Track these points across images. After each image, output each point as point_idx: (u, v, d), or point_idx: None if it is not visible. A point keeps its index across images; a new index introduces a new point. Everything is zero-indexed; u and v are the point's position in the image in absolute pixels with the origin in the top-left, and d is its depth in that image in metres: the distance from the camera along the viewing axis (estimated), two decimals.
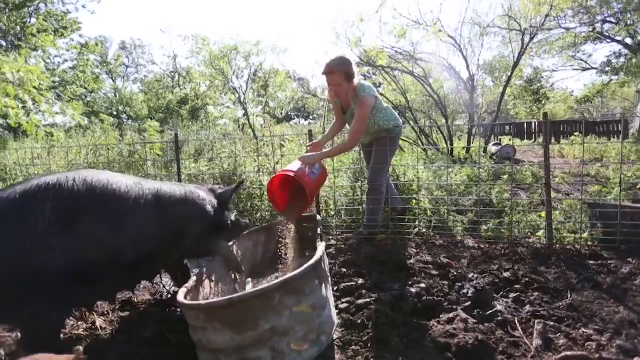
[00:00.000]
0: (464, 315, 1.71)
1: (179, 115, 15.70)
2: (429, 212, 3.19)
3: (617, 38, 12.36)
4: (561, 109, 18.06)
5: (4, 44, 12.92)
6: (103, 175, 1.54)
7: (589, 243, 2.56)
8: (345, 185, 3.61)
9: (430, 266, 2.30)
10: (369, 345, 1.53)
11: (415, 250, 2.62)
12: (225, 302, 1.21)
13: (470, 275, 2.14)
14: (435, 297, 1.89)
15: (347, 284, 2.04)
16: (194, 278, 1.51)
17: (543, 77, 17.44)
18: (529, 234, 2.82)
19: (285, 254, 2.33)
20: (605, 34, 12.24)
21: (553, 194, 3.04)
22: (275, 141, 4.44)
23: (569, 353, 1.46)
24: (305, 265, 1.29)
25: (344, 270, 2.26)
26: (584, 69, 14.69)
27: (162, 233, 1.65)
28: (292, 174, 2.23)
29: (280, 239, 2.34)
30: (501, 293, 1.96)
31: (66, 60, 15.73)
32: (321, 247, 1.60)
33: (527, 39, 6.88)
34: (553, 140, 11.01)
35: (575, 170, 5.84)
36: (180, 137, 3.38)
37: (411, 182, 3.68)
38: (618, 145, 7.22)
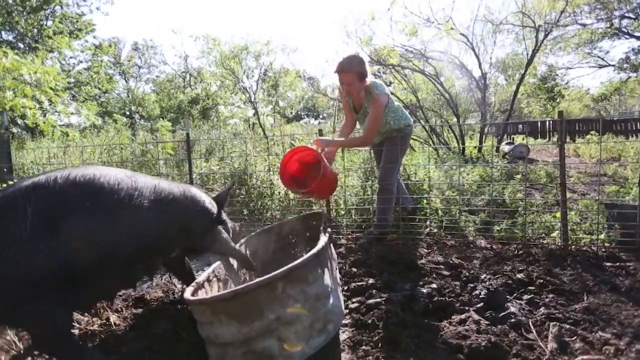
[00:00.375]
0: (476, 317, 1.69)
1: (190, 115, 15.87)
2: (440, 212, 3.16)
3: (636, 34, 12.02)
4: (576, 107, 17.67)
5: (21, 46, 13.26)
6: (89, 170, 1.48)
7: (606, 244, 2.49)
8: (355, 184, 3.59)
9: (442, 266, 2.28)
10: (380, 345, 1.52)
11: (426, 250, 2.59)
12: (229, 294, 1.22)
13: (482, 276, 2.11)
14: (447, 298, 1.86)
15: (357, 283, 2.03)
16: (202, 276, 1.53)
17: (558, 75, 17.07)
18: (543, 234, 2.77)
19: (296, 253, 2.34)
20: (624, 29, 11.92)
21: (568, 194, 2.97)
22: (285, 140, 4.45)
23: (585, 357, 1.42)
24: (308, 254, 1.29)
25: (354, 269, 2.25)
26: (601, 66, 14.34)
27: (159, 227, 1.59)
28: (314, 149, 2.33)
29: (291, 238, 2.34)
30: (514, 294, 1.92)
31: (81, 62, 16.07)
32: (324, 237, 1.59)
33: (541, 35, 6.75)
34: (568, 139, 10.77)
35: (591, 170, 5.71)
36: (191, 137, 3.42)
37: (422, 181, 3.65)
38: (636, 144, 7.02)
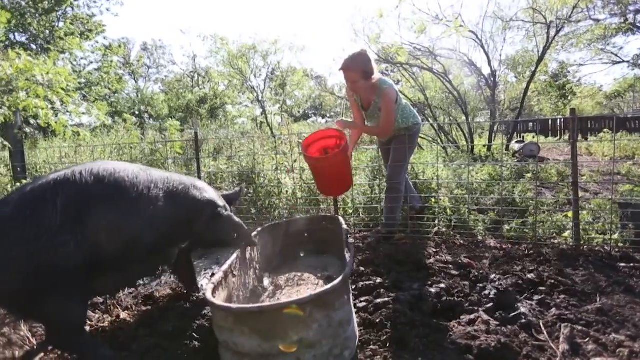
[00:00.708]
0: (485, 317, 1.67)
1: (199, 114, 15.99)
2: (448, 211, 3.13)
3: None
4: (589, 105, 17.35)
5: (34, 47, 13.49)
6: (109, 164, 1.55)
7: (620, 244, 2.44)
8: (363, 183, 3.58)
9: (450, 266, 2.26)
10: (388, 345, 1.51)
11: (434, 250, 2.57)
12: (256, 308, 1.22)
13: (492, 276, 2.09)
14: (456, 298, 1.85)
15: (365, 282, 2.03)
16: (218, 274, 1.53)
17: (569, 72, 16.77)
18: (555, 234, 2.72)
19: (301, 252, 2.34)
20: (638, 24, 11.63)
21: (581, 193, 2.91)
22: (292, 139, 4.45)
23: (598, 359, 1.40)
24: (337, 280, 1.29)
25: (362, 268, 2.24)
26: (614, 63, 14.02)
27: (175, 216, 1.67)
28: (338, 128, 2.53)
29: (297, 236, 2.35)
30: (525, 295, 1.90)
31: (91, 62, 16.28)
32: (349, 256, 1.60)
33: (552, 32, 6.63)
34: (580, 138, 10.58)
35: (604, 169, 5.60)
36: (199, 136, 3.44)
37: (430, 180, 3.62)
38: None
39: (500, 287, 1.93)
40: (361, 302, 1.84)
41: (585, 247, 2.47)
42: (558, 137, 12.61)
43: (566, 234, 2.63)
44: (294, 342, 1.20)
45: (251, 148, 4.88)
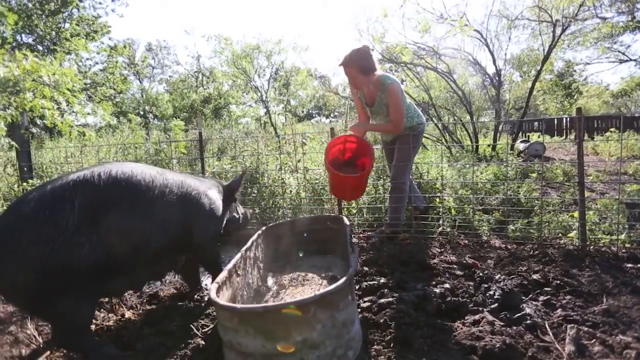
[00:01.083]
0: (490, 318, 1.66)
1: (203, 114, 16.06)
2: (453, 211, 3.11)
3: None
4: (595, 104, 17.16)
5: (40, 48, 13.62)
6: (127, 166, 1.57)
7: (627, 245, 2.42)
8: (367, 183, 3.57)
9: (455, 266, 2.25)
10: (392, 345, 1.51)
11: (438, 250, 2.56)
12: (261, 309, 1.22)
13: (496, 277, 2.07)
14: (460, 298, 1.83)
15: (369, 282, 2.02)
16: (223, 273, 1.54)
17: (575, 71, 16.60)
18: (560, 234, 2.70)
19: (305, 251, 2.34)
20: None
21: (587, 193, 2.89)
22: (296, 139, 4.45)
23: None
24: (341, 280, 1.29)
25: (366, 268, 2.24)
26: (622, 61, 13.84)
27: (187, 222, 1.70)
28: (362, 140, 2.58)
29: (301, 236, 2.35)
30: (530, 295, 1.88)
31: (97, 63, 16.41)
32: (353, 257, 1.59)
33: (558, 30, 6.57)
34: (586, 137, 10.49)
35: (610, 169, 5.55)
36: (204, 136, 3.45)
37: (435, 180, 3.60)
38: None
39: (505, 287, 1.92)
40: (365, 302, 1.84)
41: (592, 247, 2.45)
42: (564, 137, 12.50)
43: (572, 234, 2.60)
44: (298, 342, 1.20)
45: (255, 148, 4.89)
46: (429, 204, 3.14)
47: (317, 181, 3.67)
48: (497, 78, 7.17)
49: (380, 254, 2.47)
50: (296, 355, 1.21)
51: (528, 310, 1.70)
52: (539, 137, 10.27)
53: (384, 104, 2.61)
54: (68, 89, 3.16)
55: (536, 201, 3.22)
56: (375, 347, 1.51)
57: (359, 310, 1.77)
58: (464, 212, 3.14)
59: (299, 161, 3.82)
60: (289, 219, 2.58)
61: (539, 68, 7.10)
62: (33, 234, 1.30)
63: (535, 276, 2.04)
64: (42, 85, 2.99)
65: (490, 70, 7.27)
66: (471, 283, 2.02)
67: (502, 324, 1.62)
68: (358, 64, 2.50)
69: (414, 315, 1.67)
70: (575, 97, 16.71)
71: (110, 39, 16.40)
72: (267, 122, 12.18)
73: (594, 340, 1.51)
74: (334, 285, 1.25)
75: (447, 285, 1.96)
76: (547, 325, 1.62)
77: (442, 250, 2.57)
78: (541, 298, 1.84)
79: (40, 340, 1.69)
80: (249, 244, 1.92)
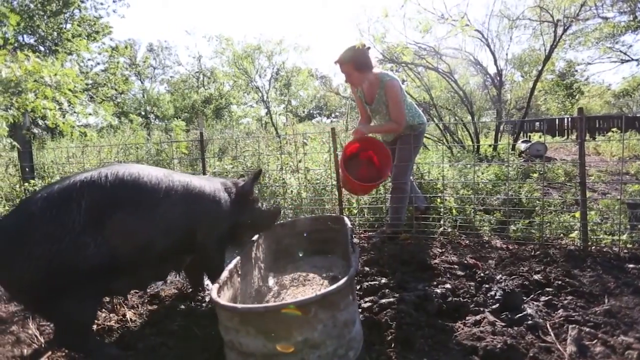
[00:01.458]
0: (491, 318, 1.66)
1: (204, 114, 16.08)
2: (454, 211, 3.11)
3: None
4: (596, 104, 17.12)
5: (42, 49, 13.67)
6: (134, 168, 1.58)
7: (629, 245, 2.41)
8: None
9: (456, 266, 2.25)
10: (393, 345, 1.51)
11: (439, 250, 2.56)
12: (262, 309, 1.22)
13: (497, 277, 2.07)
14: (461, 299, 1.83)
15: (370, 282, 2.02)
16: (224, 274, 1.54)
17: (577, 71, 16.55)
18: (562, 235, 2.69)
19: (306, 251, 2.34)
20: None
21: (588, 194, 2.88)
22: (297, 139, 4.46)
23: None
24: (342, 280, 1.29)
25: (366, 269, 2.24)
26: (623, 61, 13.80)
27: (190, 225, 1.70)
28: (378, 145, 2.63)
29: (302, 236, 2.35)
30: (531, 296, 1.88)
31: (98, 63, 16.45)
32: (354, 257, 1.59)
33: (560, 30, 6.55)
34: (588, 137, 10.46)
35: (612, 169, 5.53)
36: (205, 136, 3.46)
37: (436, 180, 3.60)
38: None
39: (506, 288, 1.92)
40: (366, 302, 1.84)
41: (593, 247, 2.44)
42: (565, 137, 12.47)
43: (573, 234, 2.60)
44: (299, 342, 1.20)
45: (256, 148, 4.90)
46: (429, 204, 3.14)
47: (318, 181, 3.67)
48: (498, 78, 7.16)
49: (381, 254, 2.47)
50: (297, 355, 1.21)
51: (529, 311, 1.70)
52: (540, 137, 10.26)
53: (383, 102, 2.61)
54: (70, 90, 3.17)
55: (537, 201, 3.22)
56: (376, 347, 1.51)
57: (360, 310, 1.77)
58: (465, 212, 3.13)
59: (300, 161, 3.82)
60: (290, 219, 2.58)
61: (540, 68, 7.09)
62: (40, 234, 1.31)
63: (536, 276, 2.04)
64: (43, 85, 3.00)
65: (492, 70, 7.27)
66: (472, 283, 2.02)
67: (503, 324, 1.62)
68: (353, 60, 2.51)
69: (415, 315, 1.67)
70: (576, 97, 16.67)
71: (111, 39, 16.44)
72: (268, 123, 12.19)
73: (595, 341, 1.50)
74: (335, 285, 1.25)
75: (448, 286, 1.96)
76: (548, 325, 1.61)
77: (443, 250, 2.57)
78: (542, 298, 1.84)
79: (42, 340, 1.69)
80: (250, 244, 1.92)
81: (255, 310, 1.24)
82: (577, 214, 2.59)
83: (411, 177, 2.92)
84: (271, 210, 2.20)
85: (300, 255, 2.33)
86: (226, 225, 1.91)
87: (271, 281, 2.07)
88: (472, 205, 3.21)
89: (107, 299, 1.98)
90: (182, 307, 1.95)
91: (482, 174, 4.41)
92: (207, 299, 2.02)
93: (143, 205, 1.53)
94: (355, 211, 3.33)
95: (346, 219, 2.15)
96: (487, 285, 1.97)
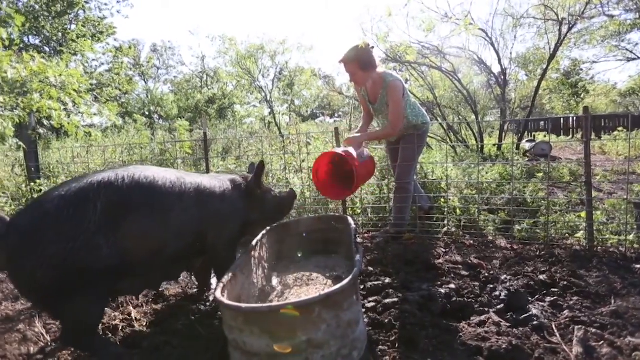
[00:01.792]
0: (496, 318, 1.64)
1: (207, 114, 16.13)
2: (458, 211, 3.09)
3: None
4: (602, 103, 16.97)
5: (47, 50, 13.77)
6: (149, 171, 1.59)
7: (635, 245, 2.39)
8: (371, 183, 3.56)
9: (460, 266, 2.24)
10: (397, 345, 1.50)
11: (444, 250, 2.55)
12: (265, 308, 1.22)
13: (502, 277, 2.06)
14: (466, 299, 1.82)
15: (373, 282, 2.02)
16: (229, 274, 1.54)
17: (582, 69, 16.40)
18: (567, 235, 2.67)
19: (309, 251, 2.34)
20: None
21: (594, 193, 2.85)
22: (301, 139, 4.46)
23: None
24: (346, 280, 1.28)
25: (370, 268, 2.24)
26: (629, 59, 13.67)
27: (202, 227, 1.71)
28: (341, 153, 2.32)
29: (305, 236, 2.35)
30: (536, 296, 1.86)
31: (102, 64, 16.56)
32: (358, 257, 1.59)
33: (564, 29, 6.50)
34: (593, 136, 10.38)
35: (618, 168, 5.48)
36: (208, 136, 3.46)
37: (440, 180, 3.59)
38: None
39: (511, 288, 1.91)
40: (370, 302, 1.83)
41: (599, 248, 2.42)
42: (570, 136, 12.39)
43: (579, 234, 2.58)
44: (303, 342, 1.20)
45: (259, 148, 4.90)
46: (433, 204, 3.13)
47: None
48: (502, 77, 7.13)
49: (385, 254, 2.46)
50: (301, 355, 1.21)
51: (535, 311, 1.69)
52: (545, 136, 10.19)
53: (385, 102, 2.60)
54: (74, 90, 3.19)
55: (542, 201, 3.20)
56: (380, 347, 1.50)
57: (364, 310, 1.77)
58: (469, 212, 3.12)
59: (303, 161, 3.82)
60: (293, 219, 2.58)
61: (545, 67, 7.03)
62: (54, 232, 1.31)
63: (541, 277, 2.02)
64: (49, 86, 3.02)
65: (496, 69, 7.23)
66: (477, 283, 2.01)
67: (508, 324, 1.61)
68: (357, 59, 2.51)
69: (419, 315, 1.66)
70: (582, 96, 16.54)
71: (115, 40, 16.57)
72: (272, 122, 12.21)
73: (602, 342, 1.49)
74: (338, 285, 1.25)
75: (452, 286, 1.95)
76: (554, 326, 1.60)
77: (447, 250, 2.56)
78: (548, 299, 1.83)
79: (48, 339, 1.70)
80: (253, 243, 1.92)
81: (259, 309, 1.24)
82: (583, 214, 2.57)
83: (415, 177, 2.92)
84: (286, 196, 2.20)
85: (304, 255, 2.33)
86: (237, 225, 1.91)
87: (275, 281, 2.07)
88: (476, 205, 3.20)
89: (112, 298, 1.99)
90: (187, 306, 1.96)
91: (487, 173, 4.38)
92: (211, 298, 2.03)
93: (157, 209, 1.54)
94: (359, 211, 3.33)
95: (350, 219, 2.15)
96: (491, 286, 1.96)
